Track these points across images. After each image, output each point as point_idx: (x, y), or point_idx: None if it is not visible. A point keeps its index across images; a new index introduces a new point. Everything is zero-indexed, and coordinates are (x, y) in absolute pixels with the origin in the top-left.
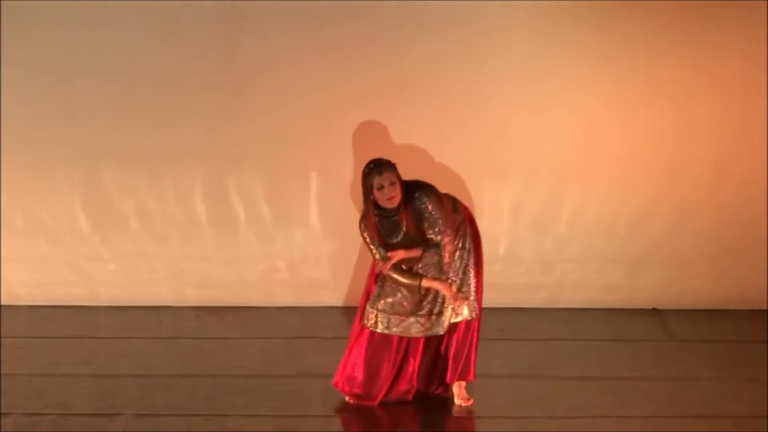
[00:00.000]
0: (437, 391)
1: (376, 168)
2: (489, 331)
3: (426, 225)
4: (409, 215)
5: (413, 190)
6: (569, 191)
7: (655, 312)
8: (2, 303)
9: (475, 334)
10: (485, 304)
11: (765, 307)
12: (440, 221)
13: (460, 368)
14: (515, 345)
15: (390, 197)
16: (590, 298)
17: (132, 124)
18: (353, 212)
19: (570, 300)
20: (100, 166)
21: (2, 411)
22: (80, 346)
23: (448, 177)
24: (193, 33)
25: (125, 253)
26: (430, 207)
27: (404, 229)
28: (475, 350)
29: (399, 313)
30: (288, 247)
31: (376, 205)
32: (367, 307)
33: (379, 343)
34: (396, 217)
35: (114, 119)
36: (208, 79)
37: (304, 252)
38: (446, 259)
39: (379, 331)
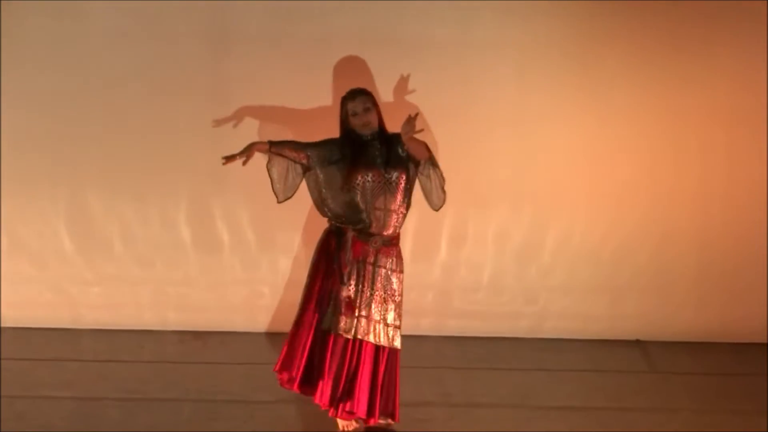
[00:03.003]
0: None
1: (350, 95)
2: (471, 360)
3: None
4: (393, 144)
5: (397, 135)
6: (554, 220)
7: (639, 343)
8: None
9: (397, 370)
10: (469, 332)
11: (748, 341)
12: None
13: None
14: (497, 374)
15: (365, 122)
16: (573, 328)
17: (117, 146)
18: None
19: (553, 330)
20: (85, 188)
21: None
22: (62, 368)
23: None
24: (180, 56)
25: (109, 276)
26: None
27: (382, 159)
28: (397, 388)
29: (354, 315)
30: (272, 273)
31: (353, 134)
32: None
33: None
34: (376, 144)
35: (99, 142)
36: (194, 102)
37: (288, 277)
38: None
39: (339, 333)
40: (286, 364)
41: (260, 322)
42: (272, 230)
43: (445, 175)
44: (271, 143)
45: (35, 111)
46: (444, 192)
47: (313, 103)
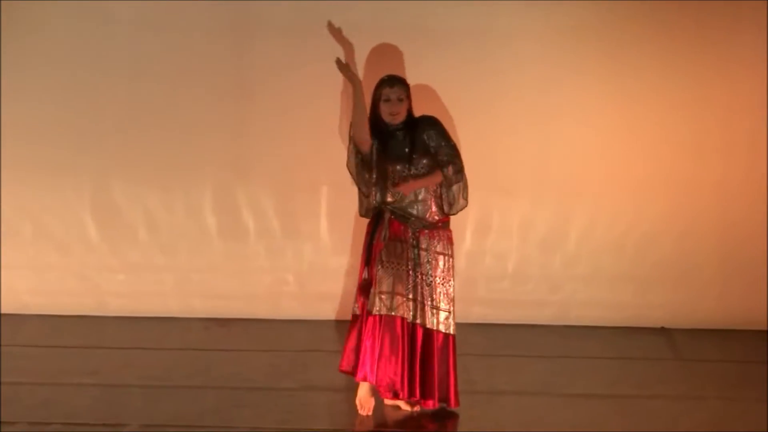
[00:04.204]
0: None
1: (389, 80)
2: (495, 348)
3: (431, 143)
4: (418, 134)
5: (422, 118)
6: (578, 209)
7: (664, 331)
8: (10, 311)
9: (452, 355)
10: (493, 320)
11: None
12: (449, 144)
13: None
14: (522, 362)
15: (394, 112)
16: (598, 316)
17: (142, 134)
18: (363, 227)
19: (577, 318)
20: (110, 176)
21: (8, 420)
22: (87, 356)
23: None
24: (204, 45)
25: (134, 263)
26: (436, 127)
27: (407, 148)
28: (455, 375)
29: (400, 293)
30: (297, 260)
31: (379, 123)
32: (372, 295)
33: (386, 326)
34: (400, 135)
35: (124, 130)
36: (218, 91)
37: (312, 265)
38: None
39: (384, 313)
40: (346, 357)
41: (285, 310)
42: (297, 218)
43: (469, 164)
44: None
45: (60, 102)
46: (465, 200)
47: (336, 94)
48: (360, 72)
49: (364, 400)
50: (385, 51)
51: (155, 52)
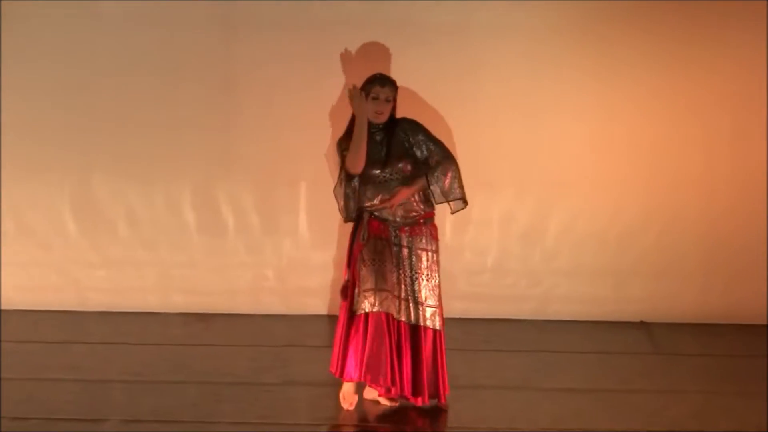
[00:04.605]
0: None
1: (381, 79)
2: (475, 342)
3: (421, 150)
4: (395, 136)
5: (402, 120)
6: (559, 203)
7: (643, 325)
8: None
9: (441, 351)
10: (473, 314)
11: (752, 322)
12: (438, 145)
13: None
14: (502, 356)
15: (379, 112)
16: (577, 310)
17: (123, 130)
18: (342, 222)
19: (557, 312)
20: (91, 171)
21: None
22: (68, 351)
23: None
24: (187, 40)
25: (114, 259)
26: (422, 131)
27: (384, 152)
28: (444, 370)
29: (384, 290)
30: (276, 256)
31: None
32: (356, 294)
33: (372, 323)
34: (378, 136)
35: (105, 125)
36: (200, 87)
37: (292, 260)
38: (446, 184)
39: (369, 310)
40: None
41: (264, 305)
42: (276, 213)
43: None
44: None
45: (41, 97)
46: (460, 188)
47: (321, 88)
48: (346, 67)
49: (348, 394)
50: (372, 47)
51: (138, 48)
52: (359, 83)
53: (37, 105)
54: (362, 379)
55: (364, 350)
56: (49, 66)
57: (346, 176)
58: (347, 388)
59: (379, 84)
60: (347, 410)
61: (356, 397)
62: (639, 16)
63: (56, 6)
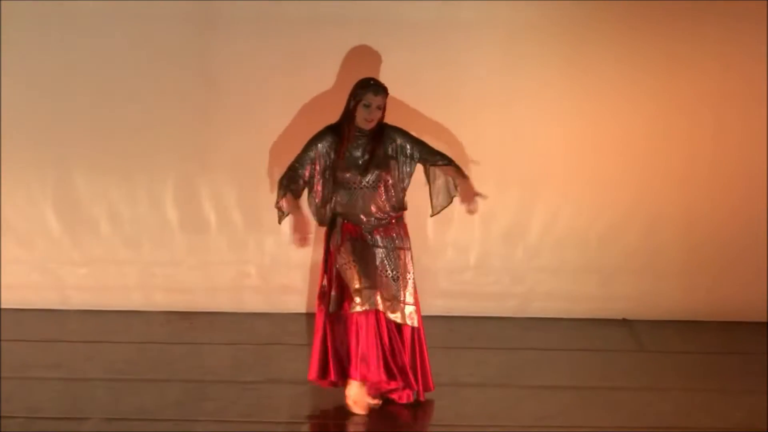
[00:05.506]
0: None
1: (375, 87)
2: (458, 340)
3: (412, 150)
4: (380, 144)
5: (388, 129)
6: (542, 201)
7: (625, 322)
8: None
9: (424, 346)
10: (456, 312)
11: (735, 319)
12: (427, 146)
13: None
14: (485, 354)
15: (370, 119)
16: (560, 308)
17: (104, 127)
18: None
19: (540, 310)
20: (72, 169)
21: None
22: (50, 349)
23: (420, 183)
24: (167, 38)
25: (96, 257)
26: (408, 136)
27: (368, 155)
28: (427, 364)
29: (371, 288)
30: (259, 253)
31: (348, 122)
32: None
33: (362, 323)
34: (362, 142)
35: (86, 123)
36: (180, 84)
37: (274, 258)
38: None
39: (360, 310)
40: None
41: (247, 303)
42: (259, 210)
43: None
44: (283, 197)
45: (21, 93)
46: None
47: (299, 83)
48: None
49: (358, 398)
50: (351, 44)
51: (118, 43)
52: (347, 82)
53: (16, 103)
54: (362, 378)
55: (359, 349)
56: (26, 64)
57: (278, 209)
58: (355, 392)
59: (373, 92)
60: (361, 414)
61: (367, 400)
62: (619, 13)
63: (32, 4)
